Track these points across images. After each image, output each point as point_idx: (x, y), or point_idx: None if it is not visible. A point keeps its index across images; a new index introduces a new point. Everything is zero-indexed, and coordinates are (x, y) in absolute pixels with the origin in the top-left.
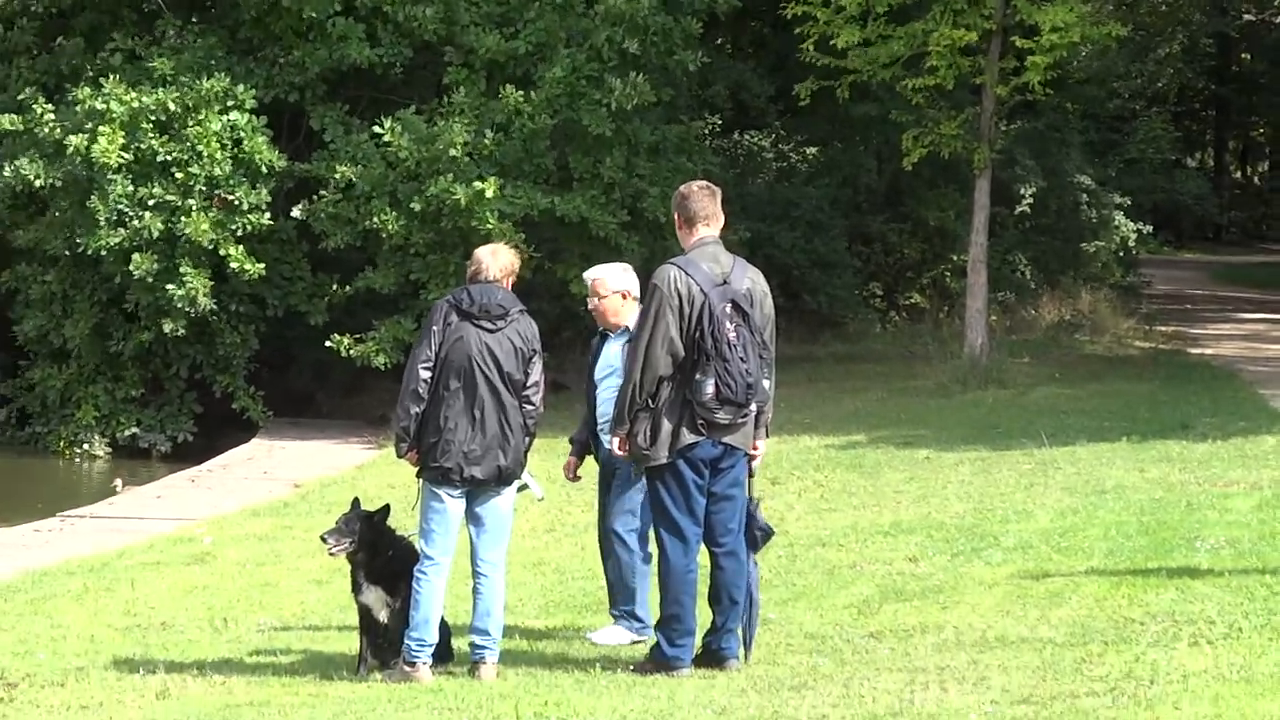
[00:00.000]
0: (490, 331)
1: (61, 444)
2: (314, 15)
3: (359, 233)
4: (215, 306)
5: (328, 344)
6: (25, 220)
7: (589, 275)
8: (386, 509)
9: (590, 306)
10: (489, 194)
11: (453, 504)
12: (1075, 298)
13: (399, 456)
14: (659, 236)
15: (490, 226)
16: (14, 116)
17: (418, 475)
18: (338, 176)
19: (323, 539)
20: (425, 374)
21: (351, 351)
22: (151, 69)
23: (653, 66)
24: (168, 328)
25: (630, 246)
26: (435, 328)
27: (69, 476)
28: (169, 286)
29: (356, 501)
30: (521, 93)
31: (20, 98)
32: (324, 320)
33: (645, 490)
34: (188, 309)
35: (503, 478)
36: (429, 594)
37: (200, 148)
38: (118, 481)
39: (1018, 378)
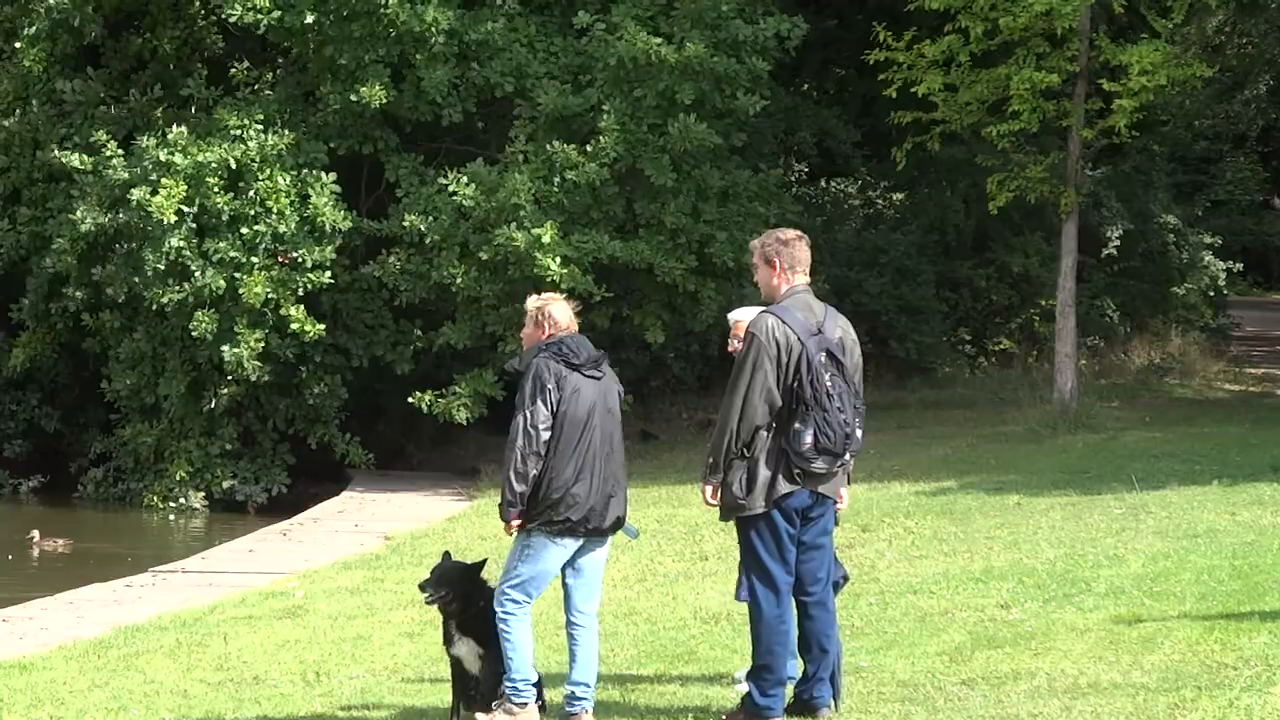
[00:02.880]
0: (598, 379)
1: (155, 499)
2: (348, 65)
3: (432, 286)
4: (299, 357)
5: (409, 400)
6: (93, 262)
7: (732, 317)
8: (483, 562)
9: (730, 349)
10: (546, 239)
11: (562, 554)
12: (1164, 340)
13: (505, 520)
14: (737, 284)
15: (552, 272)
16: (84, 156)
17: (530, 529)
18: (407, 226)
19: (421, 588)
20: (546, 434)
21: (433, 408)
22: (219, 121)
23: (720, 113)
24: (253, 376)
25: (707, 293)
26: (550, 385)
27: (162, 531)
28: (224, 348)
29: (447, 554)
30: (575, 147)
31: (92, 139)
32: (410, 369)
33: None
34: (238, 371)
35: (616, 526)
36: (524, 634)
37: (269, 203)
38: (34, 533)
39: (1107, 422)
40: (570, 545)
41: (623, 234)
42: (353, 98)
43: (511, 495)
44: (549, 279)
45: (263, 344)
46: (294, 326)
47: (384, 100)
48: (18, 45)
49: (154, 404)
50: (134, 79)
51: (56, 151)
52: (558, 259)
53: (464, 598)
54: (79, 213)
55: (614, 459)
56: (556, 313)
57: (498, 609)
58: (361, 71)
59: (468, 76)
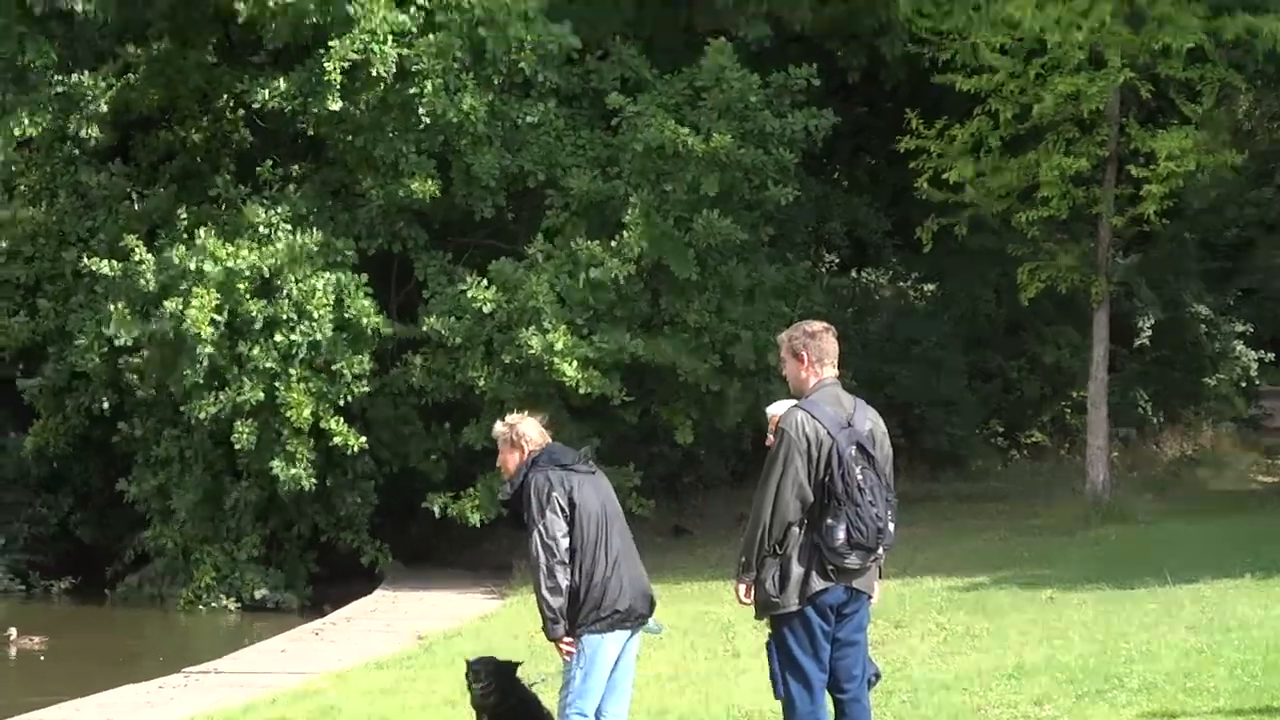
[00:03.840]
0: (591, 474)
1: (183, 603)
2: (385, 155)
3: (457, 386)
4: (330, 471)
5: (424, 505)
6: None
7: (770, 411)
8: (519, 663)
9: (768, 443)
10: (559, 345)
11: (615, 649)
12: (1197, 431)
13: (552, 639)
14: (763, 381)
15: (568, 376)
16: (112, 262)
17: (581, 634)
18: (430, 330)
19: (473, 671)
20: (565, 541)
21: (449, 509)
22: (247, 219)
23: (748, 204)
24: (284, 497)
25: (732, 393)
26: (556, 493)
27: (194, 630)
28: (274, 463)
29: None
30: (600, 243)
31: (121, 243)
32: (443, 477)
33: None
34: (292, 487)
35: (654, 606)
36: None
37: (309, 307)
38: (11, 631)
39: (1140, 514)
40: (622, 637)
41: (647, 330)
42: (401, 192)
43: (551, 612)
44: (568, 384)
45: (312, 457)
46: (336, 440)
47: (435, 194)
48: (33, 133)
49: (175, 508)
50: (160, 171)
51: (85, 259)
52: (574, 363)
53: (501, 692)
54: (111, 325)
55: (632, 546)
56: (528, 430)
57: None
58: (402, 163)
59: (502, 165)
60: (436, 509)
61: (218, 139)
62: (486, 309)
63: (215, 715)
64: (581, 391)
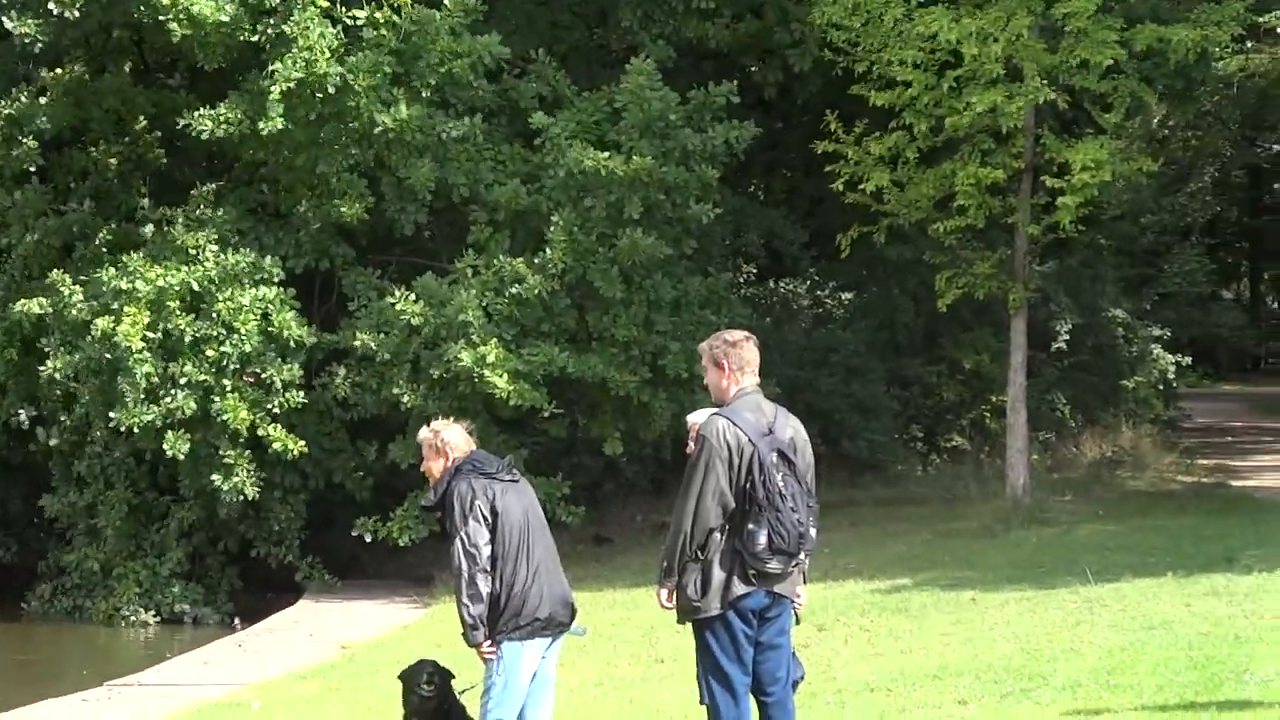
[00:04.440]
0: (514, 482)
1: (102, 617)
2: (324, 172)
3: (383, 401)
4: (262, 485)
5: (354, 533)
6: (69, 403)
7: (689, 419)
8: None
9: (688, 450)
10: (491, 358)
11: (536, 658)
12: (1116, 433)
13: (472, 645)
14: (689, 391)
15: (499, 389)
16: (42, 300)
17: (501, 640)
18: (357, 345)
19: (426, 670)
20: (488, 549)
21: (378, 533)
22: (176, 241)
23: (670, 220)
24: (222, 513)
25: (658, 405)
26: (479, 502)
27: (114, 644)
28: (214, 477)
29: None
30: (522, 260)
31: (49, 280)
32: (368, 495)
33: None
34: (235, 499)
35: (574, 614)
36: None
37: (235, 324)
38: None
39: (1061, 516)
40: (542, 645)
41: (575, 345)
42: (332, 212)
43: (471, 619)
44: (498, 396)
45: (251, 465)
46: (275, 446)
47: (363, 215)
48: None
49: (104, 525)
50: (75, 190)
51: (15, 306)
52: (504, 375)
53: (443, 697)
54: (49, 362)
55: (554, 555)
56: (453, 437)
57: None
58: (334, 181)
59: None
60: (367, 535)
61: (131, 160)
62: (415, 322)
63: None
64: (512, 404)
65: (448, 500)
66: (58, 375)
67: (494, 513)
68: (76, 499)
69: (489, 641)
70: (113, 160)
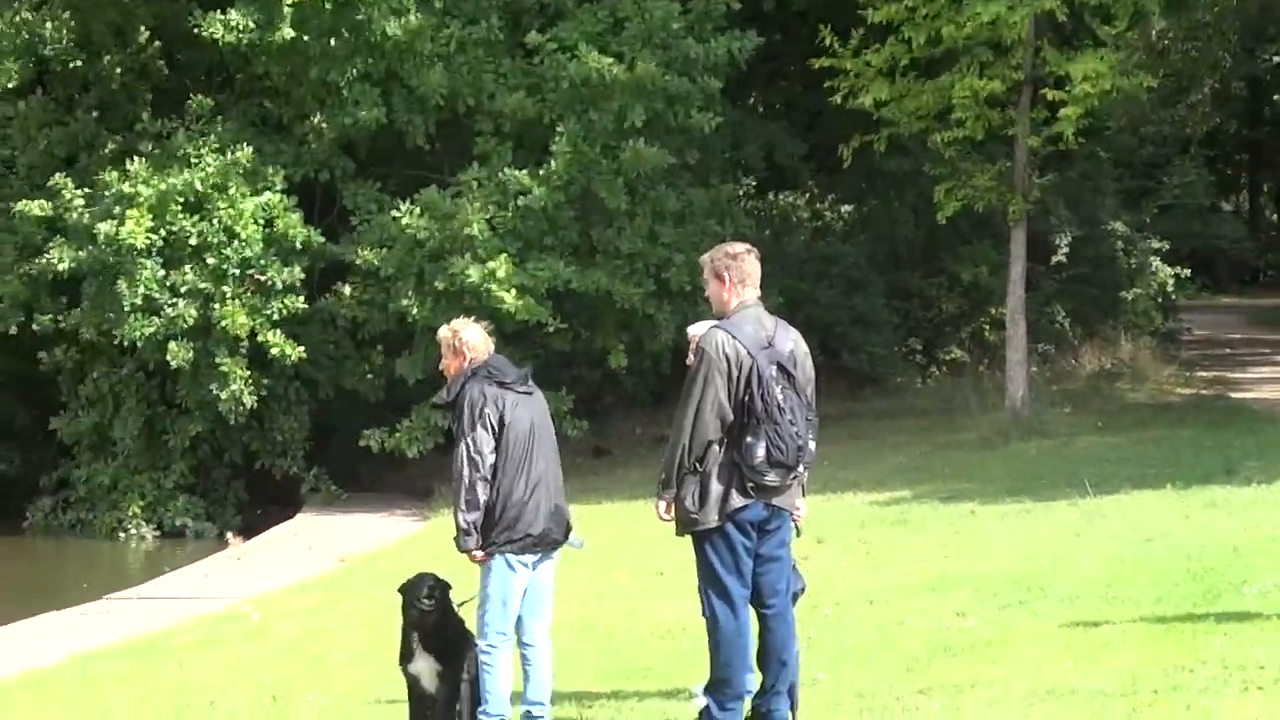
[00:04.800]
0: (528, 394)
1: (104, 531)
2: (335, 80)
3: (389, 316)
4: (265, 393)
5: (360, 443)
6: (63, 308)
7: (691, 331)
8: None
9: (689, 363)
10: (500, 273)
11: (526, 573)
12: (1115, 346)
13: (463, 551)
14: (693, 304)
15: (507, 304)
16: (44, 203)
17: (491, 552)
18: (360, 262)
19: (429, 588)
20: (491, 458)
21: (385, 445)
22: (177, 149)
23: (672, 131)
24: (230, 419)
25: (662, 317)
26: (487, 409)
27: (115, 558)
28: (212, 386)
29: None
30: (526, 171)
31: (50, 184)
32: (381, 397)
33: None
34: (234, 408)
35: (569, 531)
36: (506, 667)
37: (236, 228)
38: None
39: (1060, 428)
40: (531, 561)
41: (579, 258)
42: (346, 120)
43: (465, 524)
44: (504, 311)
45: (247, 374)
46: (274, 351)
47: (381, 121)
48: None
49: (110, 441)
50: (77, 103)
51: (17, 205)
52: (512, 291)
53: (442, 611)
54: (54, 254)
55: (557, 469)
56: (472, 337)
57: (480, 642)
58: (351, 91)
59: (410, 86)
60: (374, 444)
61: (134, 72)
62: (421, 236)
63: (140, 640)
64: (519, 319)
65: (459, 403)
66: (61, 268)
67: (501, 423)
68: (85, 417)
69: (480, 550)
70: (117, 70)
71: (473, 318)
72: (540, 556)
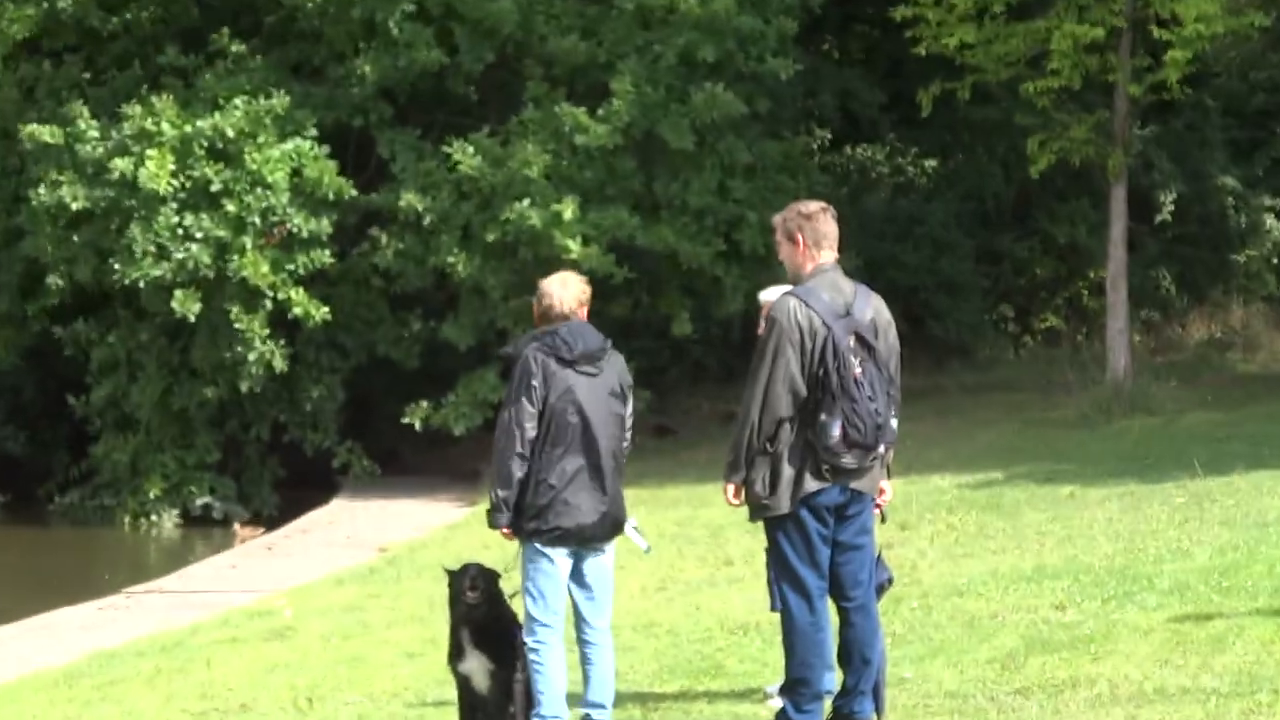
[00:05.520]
0: (593, 375)
1: (128, 517)
2: (380, 19)
3: (430, 271)
4: (292, 356)
5: (404, 420)
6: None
7: (762, 297)
8: (500, 573)
9: (760, 332)
10: (568, 215)
11: (563, 564)
12: (1226, 312)
13: (493, 527)
14: (764, 268)
15: (574, 253)
16: (55, 129)
17: (524, 539)
18: (404, 206)
19: (472, 579)
20: (532, 433)
21: (430, 420)
22: (204, 91)
23: (743, 76)
24: (244, 387)
25: (731, 281)
26: (535, 381)
27: (137, 548)
28: (235, 348)
29: (448, 570)
30: (585, 109)
31: (63, 109)
32: (416, 364)
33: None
34: (260, 372)
35: (615, 530)
36: (556, 664)
37: (263, 173)
38: None
39: (1166, 403)
40: (562, 556)
41: (641, 214)
42: (401, 61)
43: (495, 499)
44: (569, 261)
45: (267, 333)
46: (296, 311)
47: (444, 60)
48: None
49: (129, 415)
50: (108, 52)
51: (24, 128)
52: (578, 238)
53: (491, 601)
54: (63, 189)
55: (611, 462)
56: (550, 289)
57: (526, 638)
58: (402, 31)
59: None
60: (417, 422)
61: (163, 21)
62: (473, 176)
63: (161, 638)
64: (584, 269)
65: (515, 363)
66: (75, 206)
67: (545, 401)
68: (103, 390)
69: (509, 530)
70: (143, 15)
71: (573, 273)
72: (573, 551)
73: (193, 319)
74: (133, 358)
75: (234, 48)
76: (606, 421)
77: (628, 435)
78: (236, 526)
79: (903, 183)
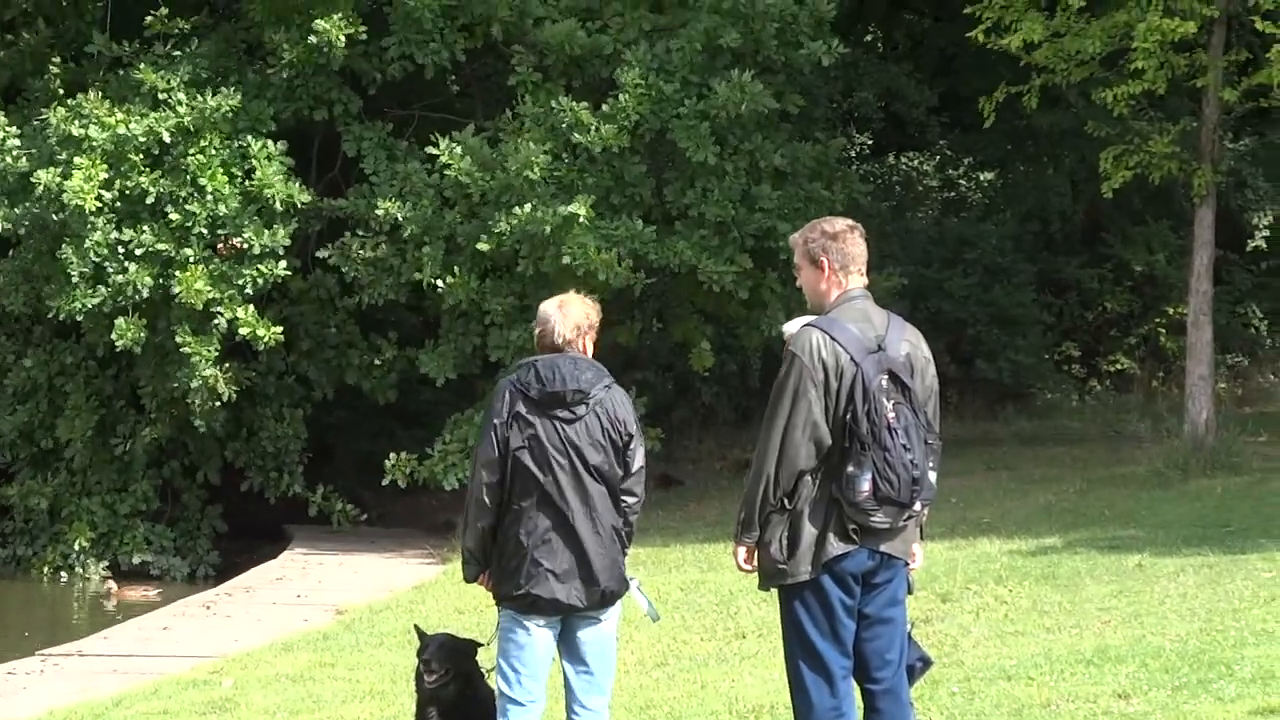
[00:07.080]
0: (567, 421)
1: (46, 570)
2: None
3: (404, 284)
4: (244, 388)
5: (385, 480)
6: None
7: (786, 329)
8: (480, 644)
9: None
10: (583, 215)
11: (541, 635)
12: None
13: (467, 581)
14: (799, 291)
15: (594, 260)
16: None
17: (498, 602)
18: (380, 214)
19: (425, 662)
20: (490, 479)
21: (415, 475)
22: (139, 82)
23: (772, 68)
24: (199, 426)
25: (766, 301)
26: (498, 421)
27: (58, 604)
28: (180, 373)
29: (419, 631)
30: (586, 105)
31: None
32: (393, 397)
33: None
34: (209, 402)
35: (604, 600)
36: None
37: (202, 181)
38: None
39: (1253, 461)
40: (538, 625)
41: (657, 226)
42: (312, 38)
43: (465, 552)
44: (583, 274)
45: (214, 356)
46: (243, 332)
47: (358, 35)
48: None
49: (51, 450)
50: (18, 23)
51: None
52: (596, 245)
53: (463, 679)
54: None
55: (596, 520)
56: (548, 311)
57: (500, 717)
58: (315, 8)
59: (451, 13)
60: (400, 479)
61: None
62: (463, 179)
63: (77, 710)
64: (602, 278)
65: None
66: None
67: (507, 446)
68: (23, 415)
69: (487, 586)
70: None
71: (584, 293)
72: (552, 620)
73: (139, 350)
74: (54, 384)
75: (170, 22)
76: (585, 473)
77: (633, 489)
78: (110, 585)
79: (953, 198)
